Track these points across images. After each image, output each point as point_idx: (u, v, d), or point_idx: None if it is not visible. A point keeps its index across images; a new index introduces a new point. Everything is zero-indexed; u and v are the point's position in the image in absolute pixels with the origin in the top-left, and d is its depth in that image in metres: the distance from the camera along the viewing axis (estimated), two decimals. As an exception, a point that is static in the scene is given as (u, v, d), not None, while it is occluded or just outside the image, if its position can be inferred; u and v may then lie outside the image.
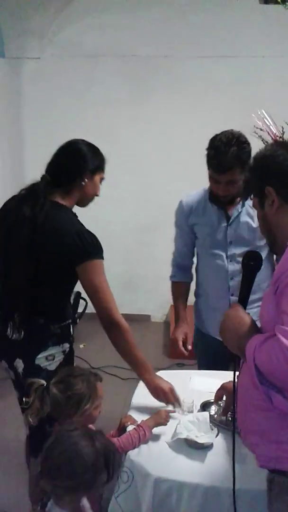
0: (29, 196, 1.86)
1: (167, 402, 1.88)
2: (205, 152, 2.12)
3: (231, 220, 2.22)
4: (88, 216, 2.05)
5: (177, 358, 3.85)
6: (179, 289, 2.48)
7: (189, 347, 2.31)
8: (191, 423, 1.73)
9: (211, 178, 2.15)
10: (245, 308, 1.33)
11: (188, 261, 2.46)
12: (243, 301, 1.36)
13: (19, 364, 1.87)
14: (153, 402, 1.94)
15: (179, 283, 2.48)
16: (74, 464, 1.33)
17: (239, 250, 2.18)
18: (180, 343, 2.29)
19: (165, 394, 1.87)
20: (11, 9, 4.33)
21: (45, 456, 1.37)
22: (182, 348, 2.28)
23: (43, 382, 1.66)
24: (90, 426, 1.69)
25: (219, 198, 2.20)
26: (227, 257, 2.23)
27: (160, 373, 2.28)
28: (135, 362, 1.89)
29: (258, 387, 1.16)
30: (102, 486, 1.41)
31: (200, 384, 2.11)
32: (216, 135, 2.11)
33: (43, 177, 1.92)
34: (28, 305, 1.82)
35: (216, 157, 2.05)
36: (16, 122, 4.75)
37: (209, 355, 2.38)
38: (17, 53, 4.59)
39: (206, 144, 2.13)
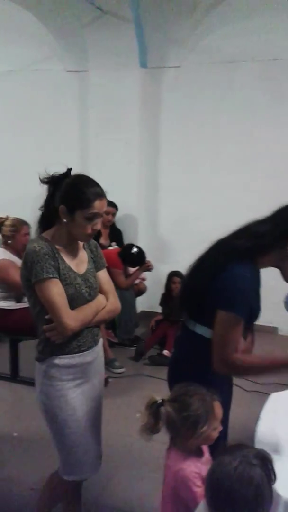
0: None
1: None
2: None
3: None
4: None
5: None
6: None
7: None
8: None
9: None
10: None
11: None
12: None
13: None
14: (284, 419, 1.84)
15: None
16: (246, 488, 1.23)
17: None
18: None
19: None
20: (154, 21, 4.51)
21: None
22: None
23: (158, 398, 1.58)
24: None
25: None
26: None
27: (288, 392, 2.17)
28: None
29: None
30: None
31: None
32: None
33: None
34: None
35: None
36: (154, 129, 4.91)
37: None
38: (158, 63, 4.77)
39: None
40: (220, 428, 1.57)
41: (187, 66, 4.73)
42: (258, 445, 1.66)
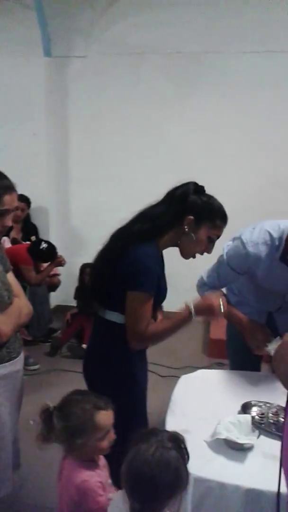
0: None
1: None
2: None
3: None
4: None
5: (217, 358, 3.81)
6: None
7: None
8: (232, 425, 1.70)
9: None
10: None
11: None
12: None
13: None
14: (193, 399, 1.92)
15: None
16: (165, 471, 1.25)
17: None
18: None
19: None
20: (57, 9, 4.42)
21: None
22: None
23: (50, 405, 1.49)
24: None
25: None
26: None
27: (199, 372, 2.27)
28: None
29: None
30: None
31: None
32: None
33: None
34: None
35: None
36: (61, 120, 4.82)
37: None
38: (63, 52, 4.68)
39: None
40: (112, 436, 1.51)
41: (93, 56, 4.69)
42: (169, 427, 1.72)
